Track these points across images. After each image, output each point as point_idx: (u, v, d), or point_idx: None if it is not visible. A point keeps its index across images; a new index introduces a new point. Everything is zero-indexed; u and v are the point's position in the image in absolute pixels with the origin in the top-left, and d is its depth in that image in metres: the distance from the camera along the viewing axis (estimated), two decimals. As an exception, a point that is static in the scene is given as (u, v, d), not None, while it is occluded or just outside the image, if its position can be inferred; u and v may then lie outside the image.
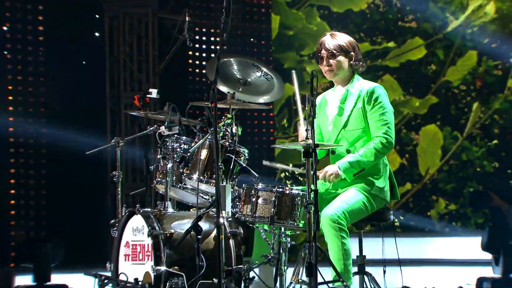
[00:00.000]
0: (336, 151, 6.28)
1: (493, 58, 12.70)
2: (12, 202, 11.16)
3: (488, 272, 10.19)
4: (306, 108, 5.71)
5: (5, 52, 11.24)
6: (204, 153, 6.27)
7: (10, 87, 11.25)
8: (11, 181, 11.19)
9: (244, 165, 6.26)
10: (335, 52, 6.30)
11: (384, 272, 6.51)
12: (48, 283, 9.95)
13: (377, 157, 6.17)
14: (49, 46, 11.47)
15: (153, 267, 5.99)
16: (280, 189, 6.04)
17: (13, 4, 11.26)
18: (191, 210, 6.47)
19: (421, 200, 12.73)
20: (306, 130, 5.67)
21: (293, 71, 6.15)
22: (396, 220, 6.60)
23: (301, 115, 6.04)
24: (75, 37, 11.75)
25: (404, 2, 13.07)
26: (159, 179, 6.45)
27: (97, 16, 12.15)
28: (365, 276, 6.30)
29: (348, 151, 6.24)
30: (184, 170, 6.32)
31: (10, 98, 11.24)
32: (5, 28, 11.22)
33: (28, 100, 11.33)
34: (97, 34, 12.20)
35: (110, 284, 6.36)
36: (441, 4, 12.97)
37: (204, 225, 6.00)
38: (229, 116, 6.25)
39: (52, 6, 11.49)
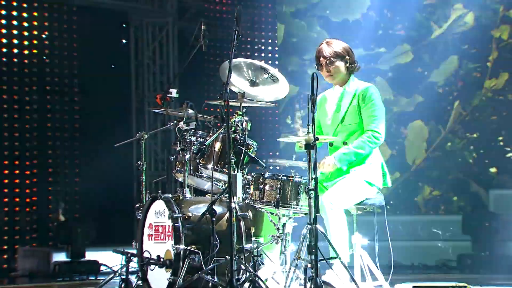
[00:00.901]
0: (333, 143, 6.27)
1: (472, 61, 12.69)
2: (50, 188, 11.16)
3: (467, 249, 10.17)
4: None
5: (44, 57, 11.22)
6: (218, 146, 6.26)
7: (47, 87, 11.23)
8: (49, 170, 11.19)
9: (253, 156, 6.25)
10: (332, 58, 6.28)
11: (376, 250, 6.50)
12: (81, 259, 9.96)
13: (370, 148, 6.17)
14: (82, 52, 11.46)
15: (173, 245, 5.97)
16: (285, 177, 6.04)
17: (50, 15, 11.23)
18: (206, 195, 6.44)
19: (409, 186, 12.72)
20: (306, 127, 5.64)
21: (297, 107, 6.15)
22: (387, 204, 6.55)
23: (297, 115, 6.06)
24: (104, 43, 11.76)
25: (394, 12, 13.06)
26: (178, 168, 6.43)
27: (124, 25, 12.14)
28: (359, 253, 6.29)
29: (345, 143, 6.23)
30: (200, 161, 6.31)
31: (48, 97, 11.22)
32: (43, 36, 11.20)
33: (64, 100, 11.30)
34: (124, 41, 12.19)
35: (136, 260, 6.35)
36: (426, 14, 12.95)
37: (218, 209, 5.98)
38: (239, 113, 6.23)
39: (84, 17, 11.48)
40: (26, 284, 9.21)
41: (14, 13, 10.97)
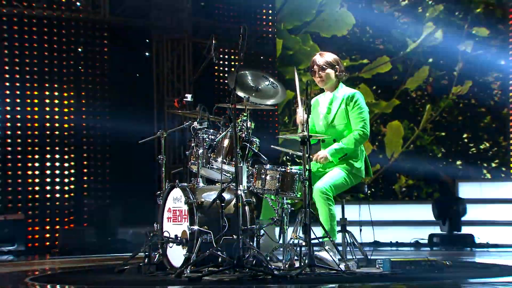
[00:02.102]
0: (325, 140, 6.26)
1: (440, 70, 12.63)
2: (85, 178, 11.14)
3: (437, 230, 10.14)
4: (303, 97, 5.70)
5: (80, 67, 11.19)
6: (226, 142, 6.22)
7: (83, 93, 11.21)
8: (84, 163, 11.17)
9: (256, 151, 6.21)
10: (324, 66, 6.31)
11: (361, 230, 6.50)
12: (110, 238, 9.94)
13: (356, 145, 6.18)
14: (113, 62, 11.43)
15: (189, 226, 5.94)
16: (283, 169, 6.02)
17: (85, 32, 11.20)
18: (217, 184, 6.40)
19: (387, 176, 12.70)
20: (303, 119, 5.60)
21: (295, 67, 6.13)
22: (369, 191, 6.52)
23: (299, 101, 6.02)
24: (131, 56, 11.75)
25: (375, 29, 13.02)
26: (192, 161, 6.39)
27: (147, 40, 12.10)
28: (346, 233, 6.27)
29: (335, 140, 6.24)
30: (211, 155, 6.27)
31: (83, 101, 11.20)
32: (79, 49, 11.17)
33: (95, 103, 11.28)
34: (147, 54, 12.15)
35: (157, 239, 6.32)
36: (402, 31, 12.92)
37: (226, 196, 5.95)
38: (244, 114, 6.19)
39: (114, 33, 11.45)
40: (65, 259, 9.18)
41: (54, 30, 10.94)
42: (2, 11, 10.54)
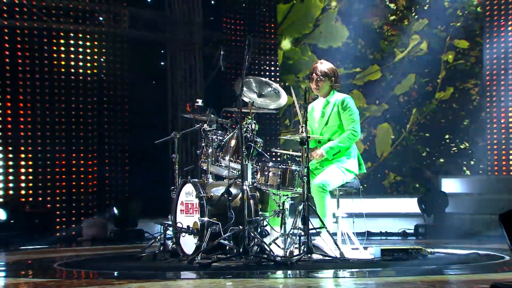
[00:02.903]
0: (321, 140, 6.24)
1: (425, 78, 12.63)
2: (107, 174, 11.13)
3: (422, 220, 10.10)
4: (302, 111, 5.66)
5: (102, 75, 11.17)
6: (233, 142, 6.20)
7: (105, 99, 11.20)
8: (106, 161, 11.16)
9: (260, 150, 6.19)
10: (321, 76, 6.30)
11: (354, 221, 6.47)
12: (130, 228, 9.94)
13: (348, 143, 6.19)
14: (132, 71, 11.42)
15: (199, 218, 5.93)
16: (284, 166, 6.00)
17: (107, 43, 11.19)
18: (224, 180, 6.38)
19: (378, 173, 12.69)
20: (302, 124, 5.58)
21: (291, 87, 6.12)
22: (361, 186, 6.49)
23: (298, 112, 6.00)
24: (148, 65, 11.75)
25: (366, 41, 13.03)
26: (203, 159, 6.38)
27: (162, 51, 12.09)
28: (340, 224, 6.23)
29: (329, 140, 6.20)
30: (220, 154, 6.25)
31: (105, 105, 11.19)
32: (102, 59, 11.16)
33: (115, 107, 11.27)
34: (162, 63, 12.14)
35: (171, 229, 6.30)
36: (390, 43, 12.91)
37: (233, 190, 5.94)
38: (249, 117, 6.17)
39: (132, 46, 11.44)
40: (89, 247, 9.18)
41: (80, 42, 10.93)
42: (33, 25, 10.53)
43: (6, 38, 10.31)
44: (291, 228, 5.83)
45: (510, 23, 10.75)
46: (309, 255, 5.55)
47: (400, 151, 12.68)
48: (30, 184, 10.40)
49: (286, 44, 13.31)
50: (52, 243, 9.63)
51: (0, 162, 10.19)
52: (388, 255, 5.79)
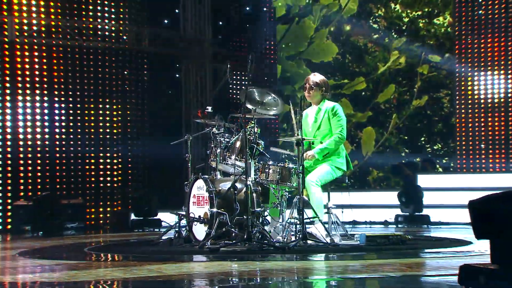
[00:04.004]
0: (313, 142, 6.22)
1: (403, 88, 12.63)
2: (130, 171, 11.10)
3: (401, 211, 10.05)
4: (297, 118, 5.63)
5: (126, 86, 11.14)
6: (238, 143, 6.18)
7: (128, 105, 11.15)
8: (129, 159, 11.12)
9: (261, 150, 6.17)
10: (313, 86, 6.27)
11: (342, 212, 6.45)
12: (149, 218, 9.91)
13: (336, 145, 6.16)
14: (151, 82, 11.40)
15: (209, 209, 5.90)
16: (282, 164, 5.97)
17: (130, 59, 11.16)
18: (231, 176, 6.36)
19: (363, 170, 12.69)
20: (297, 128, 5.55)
21: (290, 102, 6.08)
22: (349, 181, 6.48)
23: (293, 118, 5.96)
24: (165, 77, 11.73)
25: (353, 56, 13.07)
26: (212, 158, 6.36)
27: (177, 65, 12.07)
28: (331, 214, 6.21)
29: (321, 142, 6.18)
30: (227, 153, 6.23)
31: (128, 112, 11.16)
32: (125, 72, 11.12)
33: (136, 113, 11.23)
34: (177, 75, 12.12)
35: (185, 219, 6.28)
36: (373, 57, 12.94)
37: (238, 185, 5.92)
38: (252, 122, 6.15)
39: (153, 60, 11.41)
40: (114, 234, 9.17)
41: (107, 57, 10.89)
42: (66, 43, 10.50)
43: (44, 54, 10.30)
44: (288, 218, 5.81)
45: (476, 41, 10.81)
46: (304, 241, 5.53)
47: (382, 151, 12.67)
48: (64, 179, 10.38)
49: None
50: (82, 230, 9.63)
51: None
52: (372, 241, 5.77)
